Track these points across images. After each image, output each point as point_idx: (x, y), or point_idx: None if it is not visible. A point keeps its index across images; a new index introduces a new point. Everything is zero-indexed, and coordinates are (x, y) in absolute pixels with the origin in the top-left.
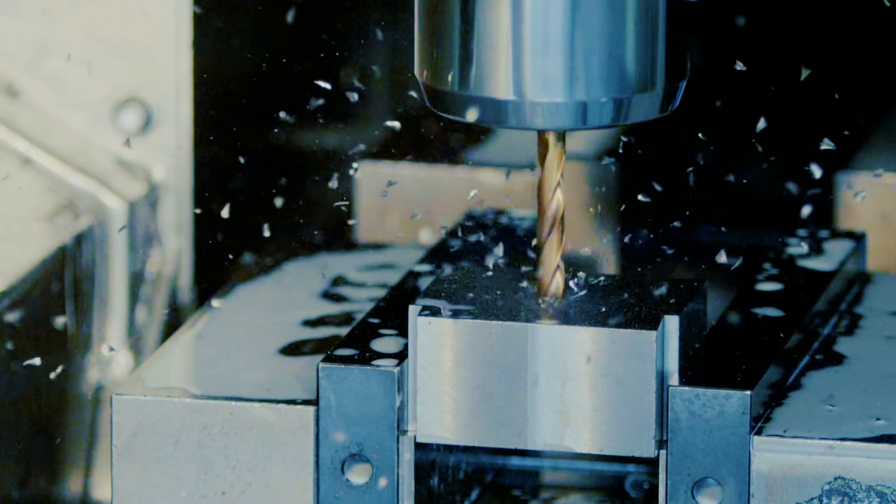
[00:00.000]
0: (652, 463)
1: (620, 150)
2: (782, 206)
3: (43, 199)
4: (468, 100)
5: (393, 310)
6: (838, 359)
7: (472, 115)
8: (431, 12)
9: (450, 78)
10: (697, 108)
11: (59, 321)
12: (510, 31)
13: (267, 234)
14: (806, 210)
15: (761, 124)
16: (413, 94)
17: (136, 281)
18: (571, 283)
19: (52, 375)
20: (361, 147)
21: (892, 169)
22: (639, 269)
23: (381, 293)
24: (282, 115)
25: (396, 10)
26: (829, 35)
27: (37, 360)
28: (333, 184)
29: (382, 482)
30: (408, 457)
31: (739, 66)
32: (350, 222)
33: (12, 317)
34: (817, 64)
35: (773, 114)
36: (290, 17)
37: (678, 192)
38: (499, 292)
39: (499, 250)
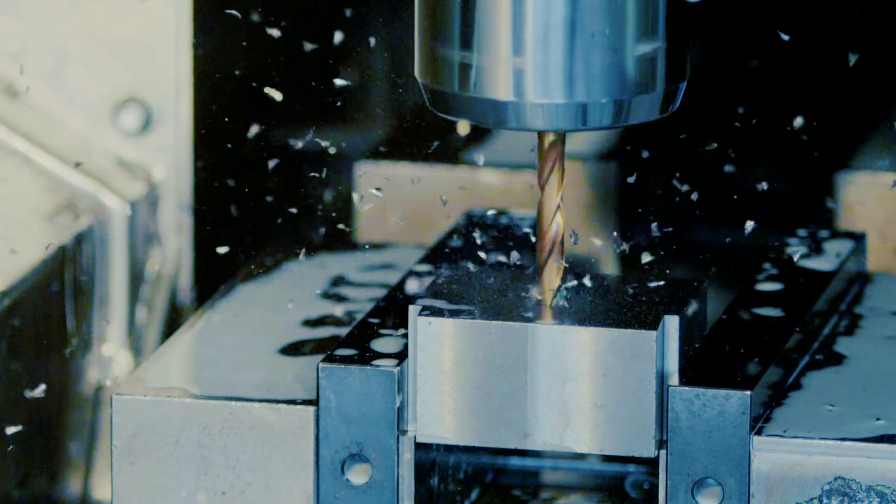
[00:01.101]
0: (652, 463)
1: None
2: (783, 206)
3: (43, 199)
4: (468, 101)
5: (393, 310)
6: (838, 359)
7: (463, 128)
8: (432, 13)
9: (450, 79)
10: (698, 108)
11: (71, 350)
12: (510, 32)
13: (223, 250)
14: (748, 225)
15: (798, 122)
16: (414, 94)
17: (136, 281)
18: (571, 284)
19: (56, 377)
20: (361, 147)
21: (892, 169)
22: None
23: (381, 293)
24: (282, 114)
25: (396, 11)
26: (830, 35)
27: (41, 391)
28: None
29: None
30: (408, 457)
31: (784, 36)
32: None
33: (12, 317)
34: (817, 64)
35: (774, 114)
36: (289, 16)
37: (678, 192)
38: (498, 292)
39: (508, 256)
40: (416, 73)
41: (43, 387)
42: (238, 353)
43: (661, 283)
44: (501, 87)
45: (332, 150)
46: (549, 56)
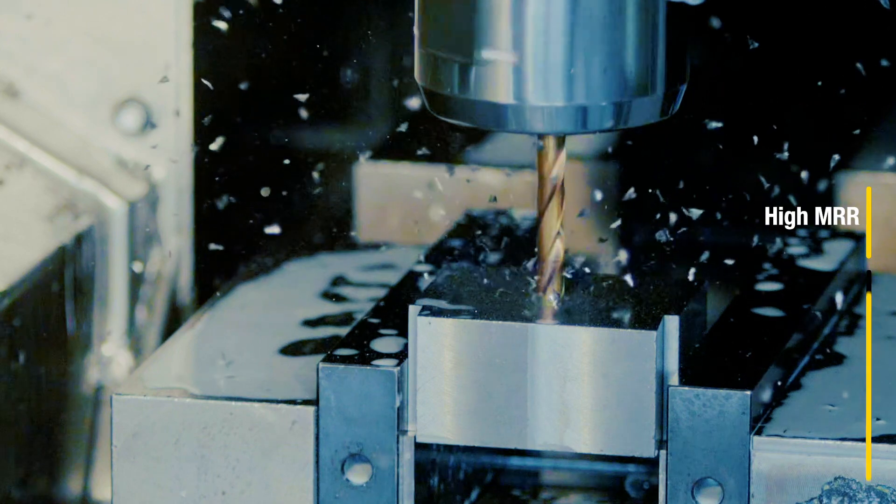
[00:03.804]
0: (652, 463)
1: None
2: (783, 205)
3: (43, 199)
4: (468, 104)
5: (393, 310)
6: (838, 359)
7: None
8: (431, 16)
9: (450, 82)
10: (698, 108)
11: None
12: (510, 35)
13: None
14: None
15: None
16: (414, 94)
17: (136, 281)
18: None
19: (56, 377)
20: (361, 147)
21: (892, 169)
22: (641, 269)
23: (381, 293)
24: (282, 114)
25: (396, 11)
26: (829, 35)
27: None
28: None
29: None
30: (408, 457)
31: (885, 2)
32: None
33: (12, 317)
34: (818, 64)
35: (774, 113)
36: (288, 15)
37: (678, 192)
38: (499, 292)
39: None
40: (416, 76)
41: None
42: (238, 353)
43: (662, 283)
44: (501, 89)
45: (331, 151)
46: (549, 58)
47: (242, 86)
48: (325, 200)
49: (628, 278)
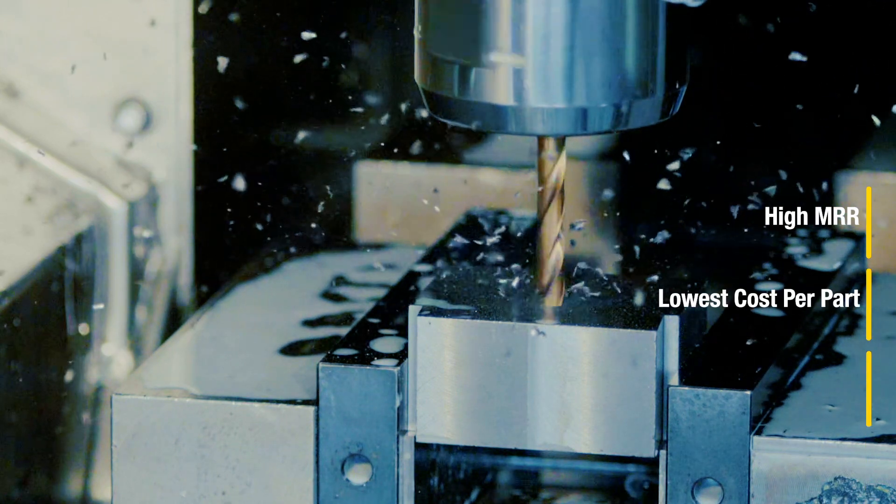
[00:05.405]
0: (652, 463)
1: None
2: (783, 205)
3: (43, 199)
4: (468, 105)
5: (393, 310)
6: (838, 359)
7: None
8: (431, 17)
9: (450, 83)
10: (697, 108)
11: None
12: (510, 37)
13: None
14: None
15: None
16: (414, 94)
17: (136, 281)
18: (573, 287)
19: (56, 377)
20: (361, 147)
21: (892, 169)
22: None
23: (381, 293)
24: (282, 114)
25: (396, 11)
26: (829, 35)
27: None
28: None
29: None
30: (408, 457)
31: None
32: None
33: (12, 317)
34: (818, 64)
35: (773, 114)
36: (289, 15)
37: (679, 191)
38: (499, 292)
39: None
40: (416, 78)
41: None
42: (238, 353)
43: (662, 283)
44: (501, 91)
45: (331, 151)
46: (550, 60)
47: (242, 85)
48: (325, 200)
49: (627, 278)
